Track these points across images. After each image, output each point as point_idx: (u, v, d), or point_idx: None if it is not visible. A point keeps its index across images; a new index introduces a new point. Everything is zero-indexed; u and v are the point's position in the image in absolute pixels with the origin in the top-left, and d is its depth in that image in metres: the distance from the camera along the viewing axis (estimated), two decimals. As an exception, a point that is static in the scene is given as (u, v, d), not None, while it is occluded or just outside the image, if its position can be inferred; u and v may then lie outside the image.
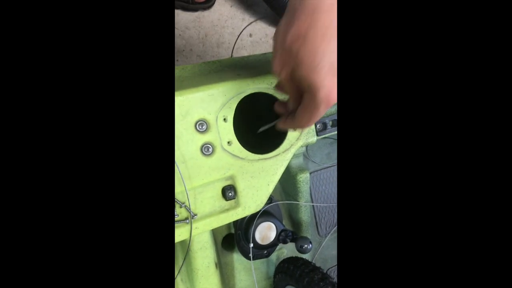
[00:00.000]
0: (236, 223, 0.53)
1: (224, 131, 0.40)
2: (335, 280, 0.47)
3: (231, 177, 0.41)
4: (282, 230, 0.54)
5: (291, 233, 0.53)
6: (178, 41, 0.83)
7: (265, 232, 0.54)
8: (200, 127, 0.39)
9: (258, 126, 0.45)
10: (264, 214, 0.53)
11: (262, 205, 0.44)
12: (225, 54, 0.90)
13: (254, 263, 0.61)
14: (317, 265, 0.68)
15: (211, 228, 0.41)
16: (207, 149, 0.39)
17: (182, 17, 0.82)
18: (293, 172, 0.58)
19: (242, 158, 0.41)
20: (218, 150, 0.40)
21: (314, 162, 0.66)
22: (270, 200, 0.56)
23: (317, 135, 0.50)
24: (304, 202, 0.59)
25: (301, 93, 0.29)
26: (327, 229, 0.69)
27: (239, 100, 0.41)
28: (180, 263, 0.47)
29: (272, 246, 0.55)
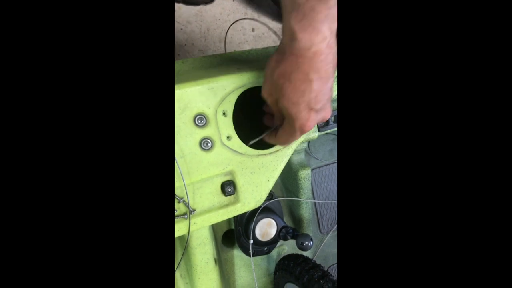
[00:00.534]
0: (236, 219, 0.53)
1: (223, 126, 0.39)
2: (336, 278, 0.46)
3: (231, 173, 0.41)
4: (283, 227, 0.54)
5: (291, 230, 0.53)
6: (179, 35, 0.82)
7: (266, 228, 0.53)
8: (199, 121, 0.38)
9: (258, 121, 0.44)
10: (265, 211, 0.53)
11: (262, 201, 0.43)
12: (227, 49, 0.89)
13: (255, 259, 0.60)
14: (318, 262, 0.68)
15: (210, 224, 0.40)
16: (206, 144, 0.38)
17: (184, 11, 0.81)
18: (295, 168, 0.57)
19: (241, 153, 0.41)
20: (218, 145, 0.39)
21: (316, 158, 0.65)
22: (271, 196, 0.55)
23: (319, 131, 0.49)
24: (306, 198, 0.59)
25: (283, 116, 0.34)
26: (329, 226, 0.68)
27: (239, 94, 0.40)
28: (179, 259, 0.47)
29: (272, 243, 0.54)
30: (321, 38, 0.27)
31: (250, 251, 0.52)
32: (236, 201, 0.41)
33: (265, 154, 0.42)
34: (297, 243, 0.50)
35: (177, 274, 0.48)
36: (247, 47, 0.91)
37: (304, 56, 0.28)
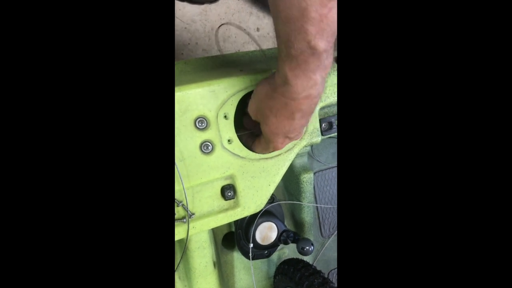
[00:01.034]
0: (236, 222, 0.52)
1: (224, 129, 0.39)
2: (336, 285, 0.46)
3: (231, 177, 0.40)
4: (284, 231, 0.53)
5: (292, 234, 0.52)
6: (183, 34, 0.81)
7: (266, 232, 0.52)
8: (200, 124, 0.37)
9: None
10: (266, 214, 0.52)
11: (262, 205, 0.42)
12: (231, 49, 0.88)
13: (255, 262, 0.60)
14: (319, 266, 0.67)
15: (209, 228, 0.40)
16: (206, 147, 0.38)
17: (188, 10, 0.81)
18: (297, 171, 0.57)
19: (242, 157, 0.40)
20: (218, 148, 0.39)
21: (319, 161, 0.64)
22: (272, 199, 0.55)
23: (322, 134, 0.48)
24: (307, 202, 0.58)
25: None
26: (331, 230, 0.67)
27: (240, 97, 0.39)
28: (177, 261, 0.47)
29: (272, 246, 0.53)
30: (312, 84, 0.28)
31: (250, 255, 0.51)
32: (236, 205, 0.41)
33: (266, 158, 0.41)
34: (297, 248, 0.49)
35: (176, 276, 0.48)
36: (251, 47, 0.90)
37: (294, 99, 0.30)
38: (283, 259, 0.59)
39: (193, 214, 0.38)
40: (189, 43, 0.83)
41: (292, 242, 0.52)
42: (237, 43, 0.88)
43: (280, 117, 0.32)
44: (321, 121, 0.48)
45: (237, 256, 0.58)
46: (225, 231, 0.58)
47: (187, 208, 0.38)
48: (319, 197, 0.65)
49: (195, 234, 0.42)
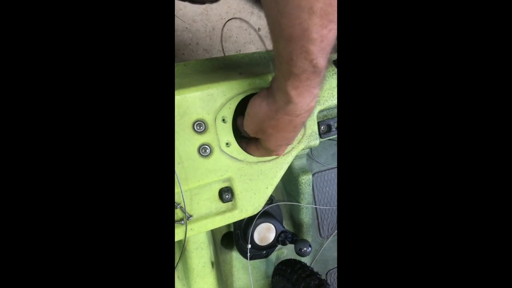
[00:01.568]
0: (235, 222, 0.53)
1: (222, 132, 0.39)
2: (332, 287, 0.46)
3: (229, 179, 0.40)
4: (282, 232, 0.53)
5: (290, 234, 0.52)
6: (184, 35, 0.81)
7: (264, 233, 0.53)
8: (198, 127, 0.38)
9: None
10: (264, 215, 0.52)
11: (260, 208, 0.43)
12: (232, 49, 0.88)
13: (253, 262, 0.60)
14: (318, 266, 0.68)
15: (207, 230, 0.40)
16: (204, 150, 0.38)
17: (189, 10, 0.81)
18: (295, 173, 0.57)
19: (240, 160, 0.40)
20: (216, 151, 0.39)
21: (319, 162, 0.64)
22: (271, 200, 0.55)
23: (321, 137, 0.48)
24: (306, 204, 0.58)
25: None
26: (329, 230, 0.68)
27: (239, 100, 0.39)
28: (176, 260, 0.47)
29: (270, 247, 0.54)
30: (313, 97, 0.30)
31: (248, 255, 0.52)
32: (234, 207, 0.41)
33: (264, 162, 0.42)
34: (295, 249, 0.50)
35: (175, 276, 0.49)
36: (252, 47, 0.90)
37: (298, 115, 0.31)
38: (281, 259, 0.60)
39: (191, 216, 0.39)
40: (190, 43, 0.83)
41: (290, 243, 0.52)
42: (238, 43, 0.88)
43: (284, 132, 0.33)
44: (319, 124, 0.48)
45: (235, 256, 0.59)
46: (224, 231, 0.59)
47: (185, 210, 0.38)
48: (318, 197, 0.65)
49: (193, 235, 0.43)
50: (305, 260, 0.65)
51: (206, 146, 0.38)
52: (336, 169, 0.66)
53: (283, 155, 0.43)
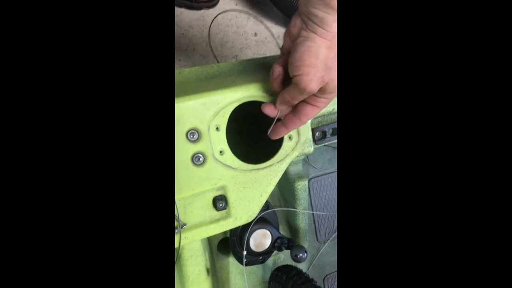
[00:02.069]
0: (231, 228, 0.53)
1: (216, 141, 0.39)
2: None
3: (223, 188, 0.41)
4: (278, 238, 0.53)
5: (286, 240, 0.52)
6: (181, 40, 0.81)
7: (260, 239, 0.53)
8: (192, 136, 0.38)
9: (252, 135, 0.44)
10: (260, 221, 0.52)
11: (254, 216, 0.43)
12: (228, 54, 0.88)
13: (250, 267, 0.60)
14: (315, 271, 0.68)
15: (201, 238, 0.40)
16: (197, 159, 0.38)
17: (185, 16, 0.81)
18: (291, 179, 0.57)
19: (234, 168, 0.41)
20: (210, 160, 0.39)
21: (315, 167, 0.64)
22: (267, 206, 0.55)
23: (316, 143, 0.48)
24: (302, 209, 0.58)
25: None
26: (326, 235, 0.68)
27: (233, 108, 0.40)
28: (172, 269, 0.47)
29: (267, 253, 0.54)
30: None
31: (243, 261, 0.52)
32: (228, 216, 0.41)
33: (258, 169, 0.42)
34: (291, 255, 0.50)
35: (170, 283, 0.49)
36: (249, 52, 0.90)
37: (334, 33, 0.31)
38: (278, 265, 0.60)
39: (185, 224, 0.39)
40: (186, 49, 0.84)
41: (286, 249, 0.52)
42: (235, 48, 0.88)
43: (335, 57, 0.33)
44: (314, 130, 0.48)
45: (232, 262, 0.59)
46: (221, 237, 0.59)
47: (179, 219, 0.39)
48: (315, 202, 0.65)
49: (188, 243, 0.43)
50: (302, 265, 0.65)
51: (199, 155, 0.38)
52: (332, 174, 0.66)
53: (277, 163, 0.43)
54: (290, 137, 0.43)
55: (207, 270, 0.47)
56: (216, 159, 0.40)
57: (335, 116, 0.50)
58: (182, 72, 0.46)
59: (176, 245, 0.39)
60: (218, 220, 0.41)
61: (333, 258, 0.69)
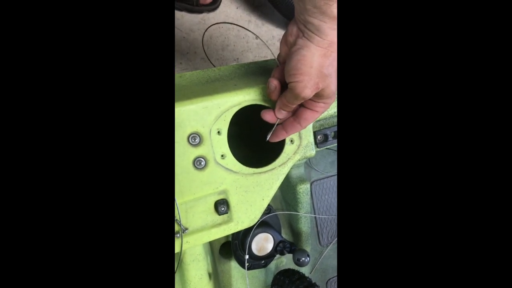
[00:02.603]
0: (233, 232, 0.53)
1: (217, 144, 0.39)
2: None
3: (224, 192, 0.40)
4: (280, 242, 0.53)
5: (289, 244, 0.52)
6: (182, 44, 0.82)
7: (262, 243, 0.53)
8: (193, 140, 0.38)
9: (253, 139, 0.44)
10: (262, 225, 0.52)
11: (256, 220, 0.43)
12: (229, 57, 0.89)
13: (252, 271, 0.60)
14: (318, 275, 0.67)
15: (203, 243, 0.40)
16: (199, 163, 0.38)
17: (187, 19, 0.81)
18: (293, 182, 0.57)
19: (236, 172, 0.40)
20: (211, 164, 0.39)
21: (317, 170, 0.64)
22: (269, 210, 0.55)
23: (318, 146, 0.48)
24: (304, 213, 0.58)
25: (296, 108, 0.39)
26: (329, 239, 0.67)
27: (234, 112, 0.39)
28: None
29: (269, 257, 0.54)
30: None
31: (245, 265, 0.51)
32: (230, 220, 0.41)
33: (259, 173, 0.42)
34: (293, 259, 0.50)
35: None
36: (250, 55, 0.90)
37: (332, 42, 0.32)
38: (280, 269, 0.59)
39: (186, 229, 0.39)
40: (187, 52, 0.84)
41: (289, 252, 0.52)
42: (236, 51, 0.88)
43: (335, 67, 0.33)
44: (316, 133, 0.48)
45: (234, 265, 0.59)
46: (223, 241, 0.58)
47: (180, 223, 0.38)
48: (317, 206, 0.65)
49: (190, 248, 0.43)
50: (305, 269, 0.65)
51: (201, 159, 0.38)
52: (334, 177, 0.66)
53: (279, 166, 0.42)
54: (292, 141, 0.43)
55: (209, 275, 0.47)
56: (218, 163, 0.39)
57: (336, 119, 0.50)
58: (183, 76, 0.46)
59: (178, 250, 0.39)
60: (219, 224, 0.40)
61: (336, 261, 0.69)
